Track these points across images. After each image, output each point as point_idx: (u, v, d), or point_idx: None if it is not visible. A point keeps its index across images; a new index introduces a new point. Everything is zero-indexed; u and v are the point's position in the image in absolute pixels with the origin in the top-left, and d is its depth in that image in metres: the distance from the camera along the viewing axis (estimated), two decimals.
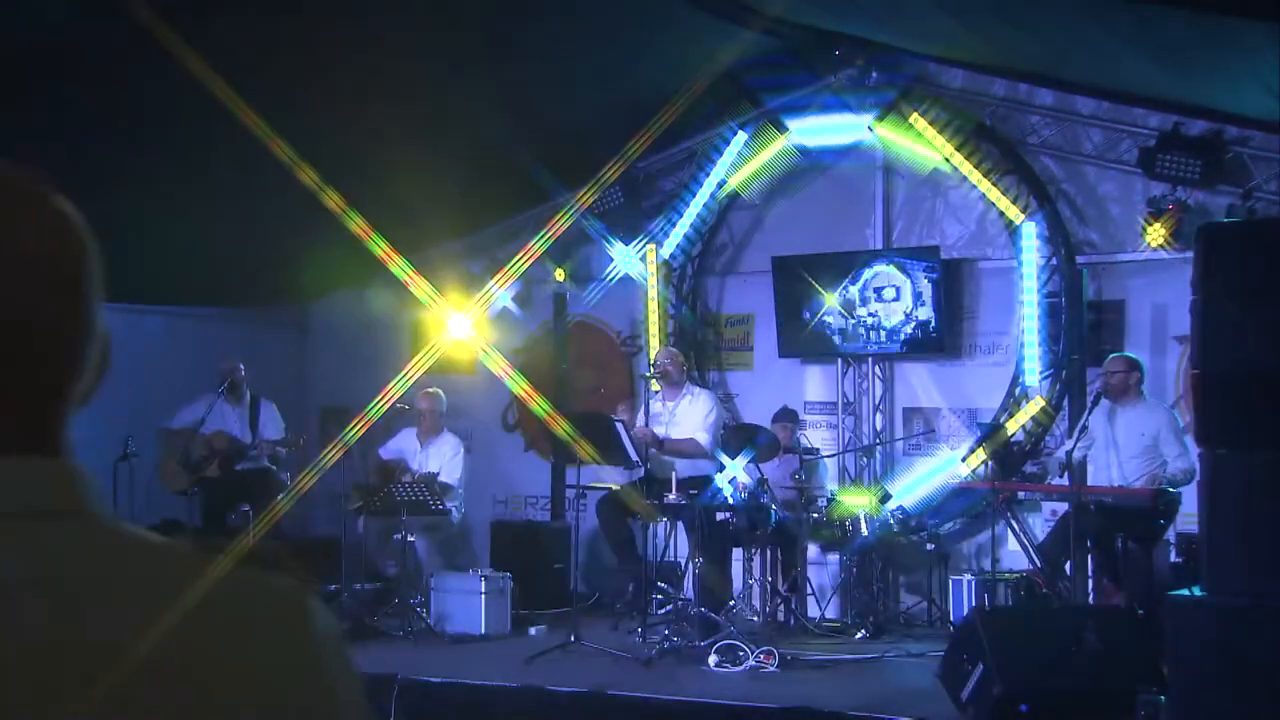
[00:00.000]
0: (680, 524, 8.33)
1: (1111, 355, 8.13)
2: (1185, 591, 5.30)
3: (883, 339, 9.58)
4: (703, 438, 8.31)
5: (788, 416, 9.25)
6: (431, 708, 6.52)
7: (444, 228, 10.08)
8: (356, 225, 9.74)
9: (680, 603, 7.82)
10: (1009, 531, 8.70)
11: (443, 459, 8.92)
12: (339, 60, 7.43)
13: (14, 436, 1.02)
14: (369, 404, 10.92)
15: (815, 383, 10.08)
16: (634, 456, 7.95)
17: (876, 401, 9.76)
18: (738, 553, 8.72)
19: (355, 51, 7.45)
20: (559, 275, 10.51)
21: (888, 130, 9.42)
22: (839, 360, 9.85)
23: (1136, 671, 5.54)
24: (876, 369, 9.79)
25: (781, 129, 9.69)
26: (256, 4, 6.69)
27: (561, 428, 8.16)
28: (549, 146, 9.63)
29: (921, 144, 9.33)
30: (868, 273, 9.58)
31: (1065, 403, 9.00)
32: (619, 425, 7.94)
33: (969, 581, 8.53)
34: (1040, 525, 8.89)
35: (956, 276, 9.51)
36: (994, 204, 9.19)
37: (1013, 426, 9.01)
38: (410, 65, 7.78)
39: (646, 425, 8.17)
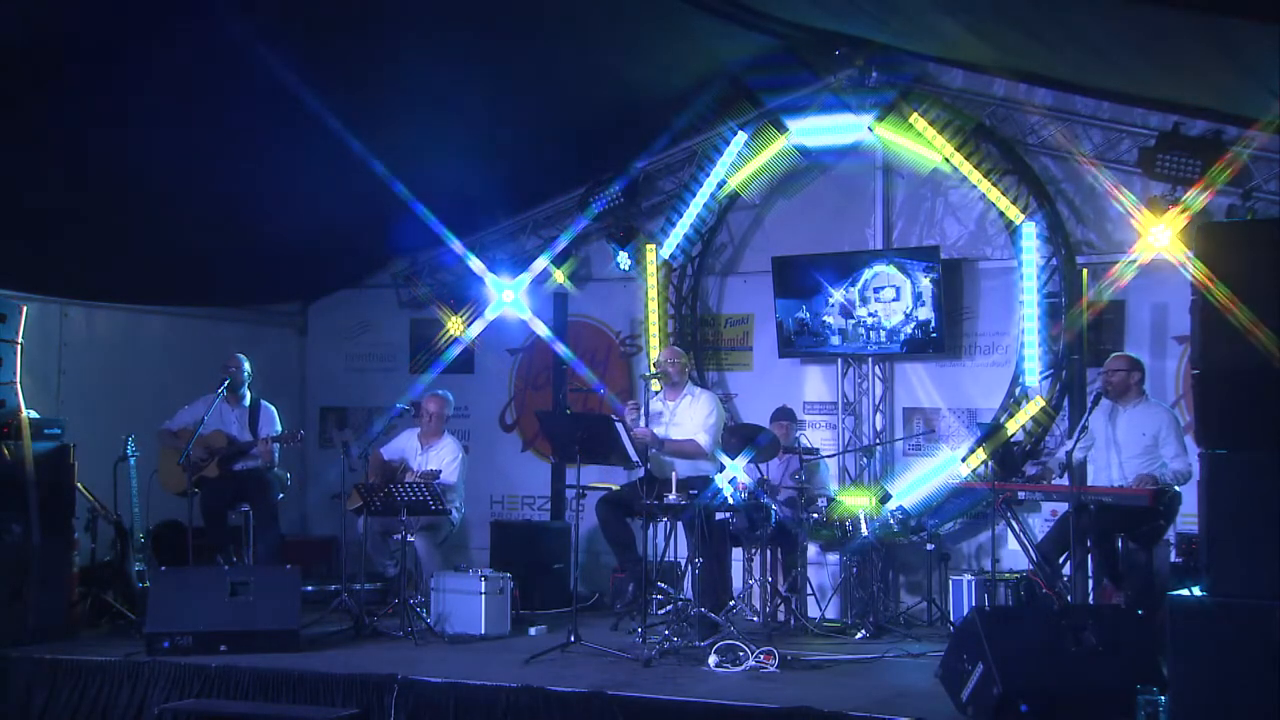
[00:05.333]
0: (680, 524, 8.33)
1: (1113, 355, 8.13)
2: (1185, 591, 5.30)
3: (883, 339, 9.59)
4: (703, 439, 8.31)
5: (785, 416, 9.26)
6: (431, 708, 6.52)
7: (444, 228, 10.07)
8: (357, 226, 9.78)
9: (680, 603, 7.82)
10: (1009, 531, 8.69)
11: (443, 461, 8.92)
12: (339, 63, 7.44)
13: None
14: (370, 404, 10.98)
15: (815, 383, 10.08)
16: (634, 457, 7.94)
17: (876, 402, 9.77)
18: (738, 553, 8.73)
19: (356, 53, 7.46)
20: (559, 275, 10.51)
21: (888, 130, 9.41)
22: (839, 360, 9.85)
23: (1136, 671, 5.54)
24: (876, 369, 9.79)
25: (781, 129, 9.68)
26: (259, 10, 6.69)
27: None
28: (548, 147, 9.64)
29: (921, 144, 9.32)
30: (868, 273, 9.58)
31: (1065, 403, 9.01)
32: (619, 425, 7.93)
33: (969, 581, 8.54)
34: (1040, 525, 8.89)
35: (956, 276, 9.51)
36: (994, 204, 9.19)
37: (1013, 426, 9.01)
38: (409, 66, 7.78)
39: (646, 425, 8.16)
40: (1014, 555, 8.75)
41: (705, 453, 8.29)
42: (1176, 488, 7.61)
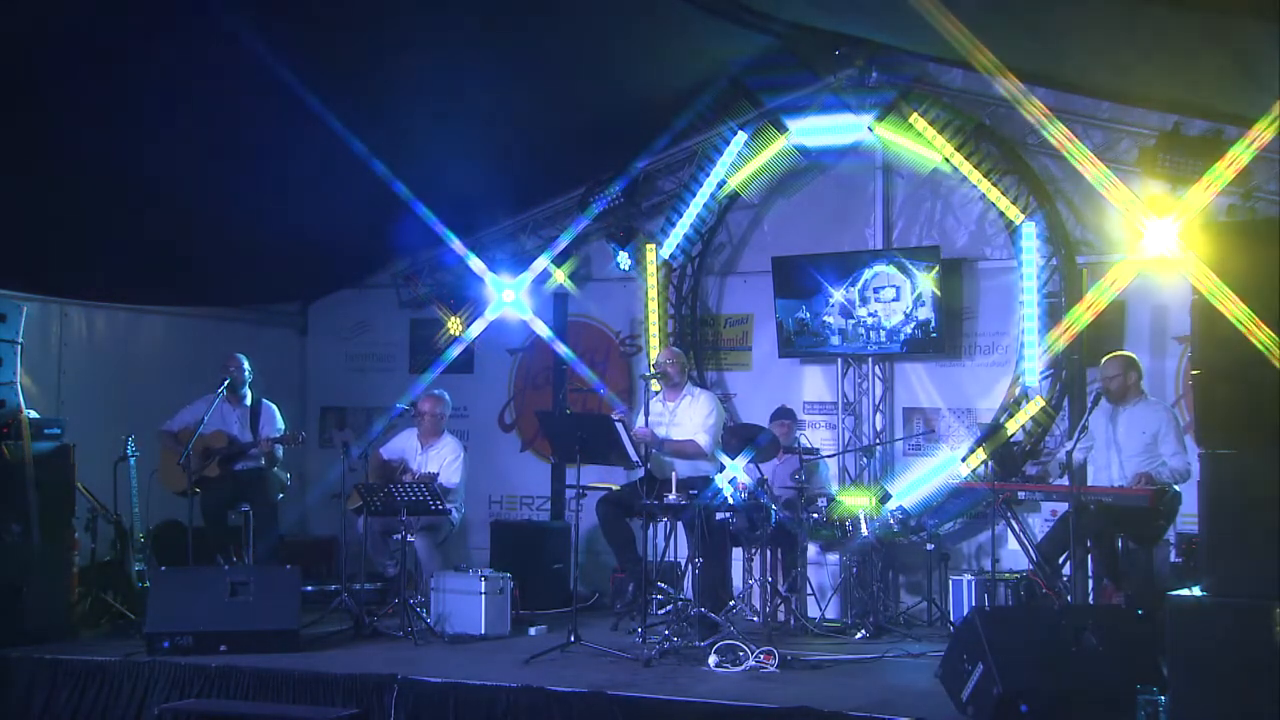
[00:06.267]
0: (680, 524, 8.32)
1: (1106, 357, 8.07)
2: (1185, 591, 5.30)
3: (883, 339, 9.59)
4: (703, 439, 8.31)
5: (785, 416, 9.26)
6: (431, 708, 6.52)
7: (444, 228, 10.07)
8: (357, 226, 9.77)
9: (680, 603, 7.82)
10: (1009, 531, 8.69)
11: (443, 461, 8.91)
12: (340, 62, 7.43)
13: None
14: (370, 404, 10.98)
15: (814, 383, 10.09)
16: (634, 457, 7.94)
17: (876, 402, 9.77)
18: (738, 553, 8.72)
19: (356, 53, 7.46)
20: (559, 275, 10.51)
21: (888, 130, 9.42)
22: (839, 360, 9.85)
23: (1136, 671, 5.54)
24: (876, 369, 9.79)
25: (781, 129, 9.69)
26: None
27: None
28: (548, 148, 9.64)
29: (921, 144, 9.33)
30: (868, 273, 9.58)
31: (1065, 403, 9.01)
32: (619, 426, 7.94)
33: (969, 581, 8.53)
34: (1040, 525, 8.90)
35: (956, 276, 9.51)
36: (994, 204, 9.20)
37: (1013, 426, 9.01)
38: (410, 66, 7.78)
39: (646, 426, 8.16)
40: (1014, 555, 8.75)
41: (705, 453, 8.29)
42: (1175, 487, 7.60)
